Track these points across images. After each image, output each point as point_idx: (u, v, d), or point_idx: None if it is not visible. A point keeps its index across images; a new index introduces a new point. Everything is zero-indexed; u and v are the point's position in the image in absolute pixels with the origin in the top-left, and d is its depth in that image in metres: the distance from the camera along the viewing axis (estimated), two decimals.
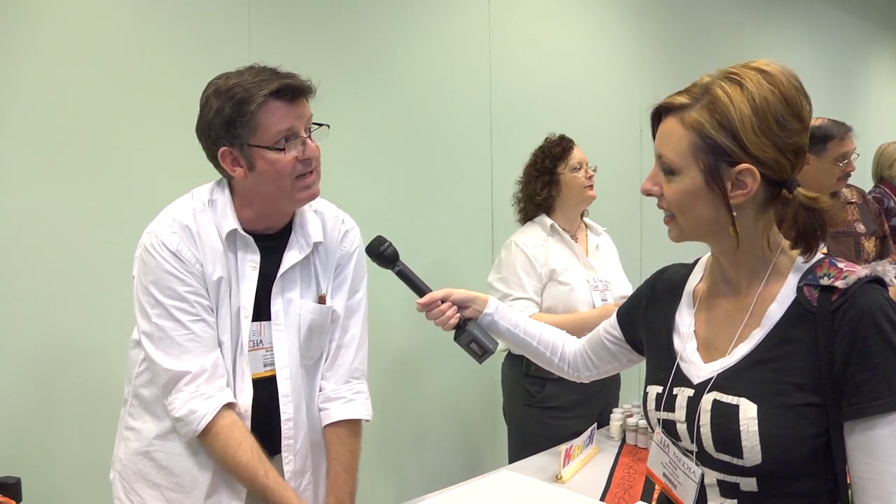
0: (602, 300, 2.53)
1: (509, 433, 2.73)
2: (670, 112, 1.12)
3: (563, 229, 2.60)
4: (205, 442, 1.52)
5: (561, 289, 2.52)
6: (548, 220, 2.60)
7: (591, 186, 2.60)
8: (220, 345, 1.55)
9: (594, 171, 2.64)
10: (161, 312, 1.50)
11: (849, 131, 2.74)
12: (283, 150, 1.48)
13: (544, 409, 2.56)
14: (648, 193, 1.17)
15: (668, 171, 1.12)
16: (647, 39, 4.28)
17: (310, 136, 1.53)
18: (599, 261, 2.65)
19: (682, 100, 1.11)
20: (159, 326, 1.50)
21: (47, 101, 2.20)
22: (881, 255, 3.02)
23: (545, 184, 2.59)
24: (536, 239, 2.57)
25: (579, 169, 2.59)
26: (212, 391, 1.51)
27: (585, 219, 2.72)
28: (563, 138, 2.66)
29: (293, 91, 1.48)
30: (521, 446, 2.59)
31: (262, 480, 1.49)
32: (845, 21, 6.19)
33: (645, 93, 4.08)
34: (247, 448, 1.50)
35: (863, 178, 3.92)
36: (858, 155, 2.77)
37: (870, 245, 3.00)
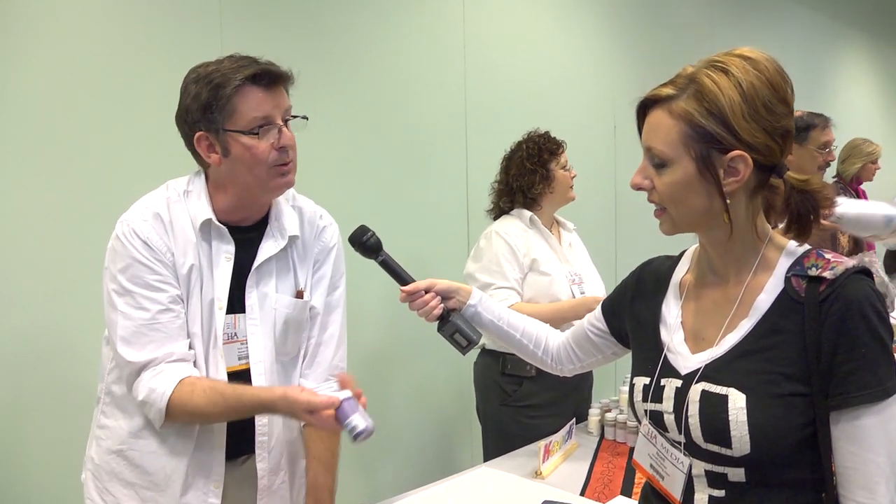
0: (581, 293, 2.53)
1: (484, 433, 2.71)
2: (656, 104, 1.11)
3: (542, 224, 2.61)
4: (174, 417, 1.47)
5: (542, 279, 2.51)
6: (527, 213, 2.60)
7: (572, 187, 2.63)
8: (190, 336, 1.51)
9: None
10: (129, 301, 1.46)
11: (828, 121, 2.79)
12: (258, 135, 1.46)
13: (521, 408, 2.54)
14: (639, 188, 1.15)
15: (659, 163, 1.11)
16: (621, 37, 4.30)
17: (286, 126, 1.50)
18: (573, 256, 2.66)
19: (669, 91, 1.10)
20: (126, 315, 1.46)
21: (19, 101, 2.15)
22: (854, 249, 3.09)
23: (542, 178, 2.59)
24: (517, 229, 2.57)
25: (566, 168, 2.62)
26: (171, 368, 1.47)
27: (555, 215, 2.72)
28: (551, 135, 2.67)
29: (270, 77, 1.46)
30: (498, 445, 2.57)
31: (230, 404, 1.44)
32: (813, 19, 6.29)
33: (619, 90, 4.11)
34: (199, 392, 1.45)
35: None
36: (836, 146, 2.82)
37: (844, 239, 3.06)
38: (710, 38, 4.91)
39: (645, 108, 1.14)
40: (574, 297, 2.51)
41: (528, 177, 2.59)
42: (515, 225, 2.59)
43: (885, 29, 7.58)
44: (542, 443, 2.15)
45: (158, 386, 1.45)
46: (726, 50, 1.10)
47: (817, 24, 6.36)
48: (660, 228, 1.17)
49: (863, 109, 7.10)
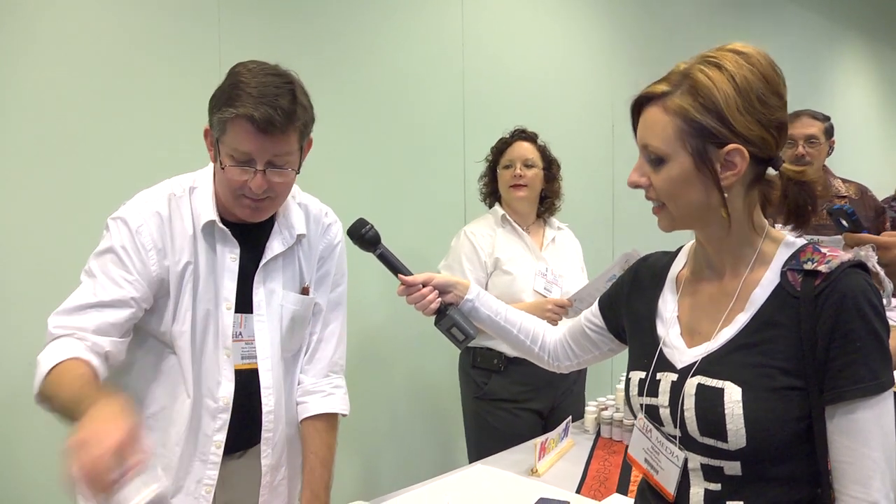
0: (545, 289, 2.52)
1: (465, 426, 2.74)
2: (651, 101, 1.12)
3: (515, 221, 2.63)
4: (44, 395, 1.32)
5: (504, 278, 2.54)
6: (500, 211, 2.65)
7: (516, 186, 2.59)
8: (177, 335, 1.49)
9: (534, 167, 2.60)
10: (89, 284, 1.43)
11: (802, 114, 2.77)
12: (228, 166, 1.43)
13: (492, 402, 2.58)
14: (636, 186, 1.16)
15: (656, 160, 1.11)
16: (619, 35, 4.31)
17: (264, 172, 1.43)
18: (554, 254, 2.65)
19: (663, 87, 1.10)
20: (80, 292, 1.42)
21: (15, 100, 2.15)
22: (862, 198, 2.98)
23: (491, 179, 2.70)
24: (485, 228, 2.63)
25: (509, 167, 2.61)
26: (70, 342, 1.37)
27: (549, 217, 2.73)
28: (513, 133, 2.69)
29: (261, 124, 1.39)
30: (475, 439, 2.63)
31: (69, 397, 1.25)
32: (811, 20, 6.30)
33: (617, 88, 4.11)
34: (69, 375, 1.30)
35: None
36: (815, 141, 2.75)
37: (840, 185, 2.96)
38: (707, 38, 4.84)
39: (639, 105, 1.15)
40: (543, 296, 2.51)
41: (487, 181, 2.72)
42: (485, 224, 2.65)
43: (883, 30, 7.59)
44: (538, 440, 2.15)
45: (43, 360, 1.34)
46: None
47: (815, 25, 6.37)
48: (658, 225, 1.18)
49: (860, 110, 7.11)
